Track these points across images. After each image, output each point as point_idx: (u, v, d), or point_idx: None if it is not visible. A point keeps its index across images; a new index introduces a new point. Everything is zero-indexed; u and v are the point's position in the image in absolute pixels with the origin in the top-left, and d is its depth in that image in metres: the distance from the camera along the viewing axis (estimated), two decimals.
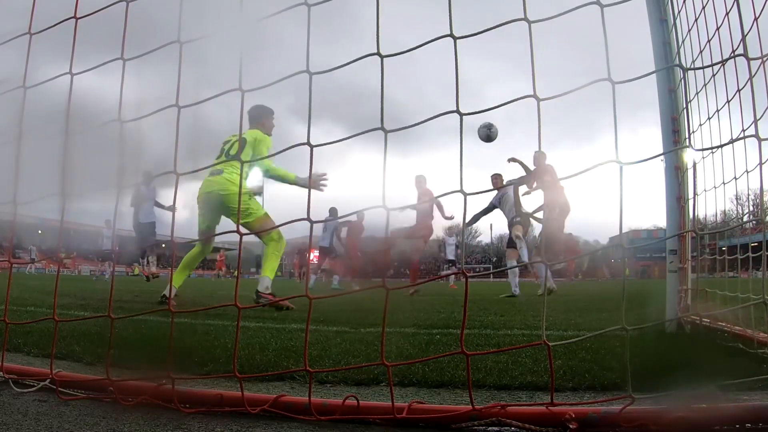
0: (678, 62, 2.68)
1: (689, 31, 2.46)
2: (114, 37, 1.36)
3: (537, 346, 1.14)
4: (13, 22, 1.48)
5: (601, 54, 1.04)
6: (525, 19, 1.06)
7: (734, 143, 1.69)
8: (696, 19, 2.34)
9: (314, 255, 14.56)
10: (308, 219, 1.17)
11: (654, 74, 2.77)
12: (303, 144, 1.16)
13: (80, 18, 1.40)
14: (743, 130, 1.96)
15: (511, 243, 7.97)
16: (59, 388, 1.30)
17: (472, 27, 1.07)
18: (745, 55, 1.17)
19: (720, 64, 1.87)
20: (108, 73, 1.37)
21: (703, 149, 2.40)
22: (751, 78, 1.44)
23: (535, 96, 1.04)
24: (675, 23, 2.70)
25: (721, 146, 1.97)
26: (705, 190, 2.45)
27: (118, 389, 1.26)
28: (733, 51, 1.86)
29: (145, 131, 1.36)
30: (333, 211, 10.19)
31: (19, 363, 1.71)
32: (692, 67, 2.39)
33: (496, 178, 8.16)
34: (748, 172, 1.97)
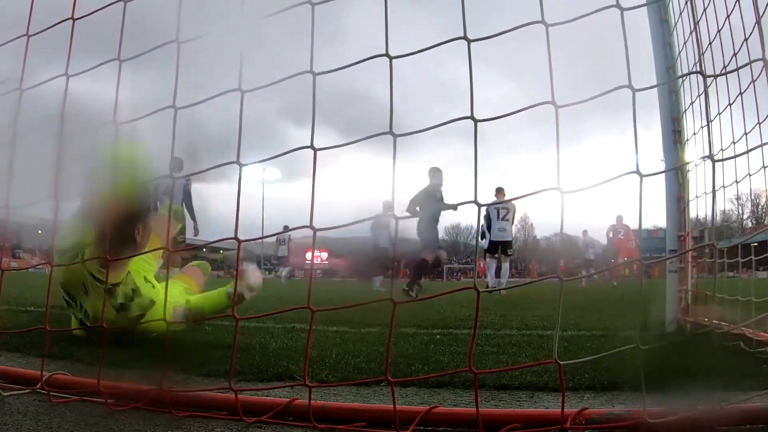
0: (679, 64, 2.68)
1: (691, 32, 2.45)
2: (109, 42, 1.36)
3: (541, 346, 1.13)
4: (7, 24, 1.48)
5: (596, 58, 1.03)
6: (543, 22, 1.03)
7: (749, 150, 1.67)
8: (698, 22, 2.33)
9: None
10: (311, 227, 1.15)
11: (654, 74, 2.77)
12: (307, 147, 1.14)
13: (77, 19, 1.39)
14: (746, 134, 1.96)
15: (494, 249, 9.31)
16: (51, 393, 1.29)
17: (461, 29, 1.06)
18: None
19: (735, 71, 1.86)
20: (103, 79, 1.37)
21: (722, 159, 2.37)
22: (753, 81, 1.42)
23: (553, 102, 1.01)
24: (676, 25, 2.69)
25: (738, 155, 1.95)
26: (704, 193, 2.45)
27: (111, 394, 1.25)
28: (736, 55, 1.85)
29: (140, 134, 1.36)
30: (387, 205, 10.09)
31: (18, 364, 1.71)
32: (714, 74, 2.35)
33: (499, 192, 9.43)
34: (750, 176, 1.97)
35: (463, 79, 1.07)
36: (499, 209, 9.30)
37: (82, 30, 1.39)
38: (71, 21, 1.39)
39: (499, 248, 9.45)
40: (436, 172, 8.08)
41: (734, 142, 2.12)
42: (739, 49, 1.91)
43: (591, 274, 13.27)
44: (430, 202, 7.77)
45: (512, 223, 9.65)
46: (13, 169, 1.39)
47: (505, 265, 9.61)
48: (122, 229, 2.06)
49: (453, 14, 1.07)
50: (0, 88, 1.44)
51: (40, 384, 1.33)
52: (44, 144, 1.46)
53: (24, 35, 1.44)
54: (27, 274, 10.58)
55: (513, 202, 9.58)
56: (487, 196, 9.64)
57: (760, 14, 1.39)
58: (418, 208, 7.88)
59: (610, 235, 14.75)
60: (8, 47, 1.47)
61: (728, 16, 2.01)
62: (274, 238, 17.47)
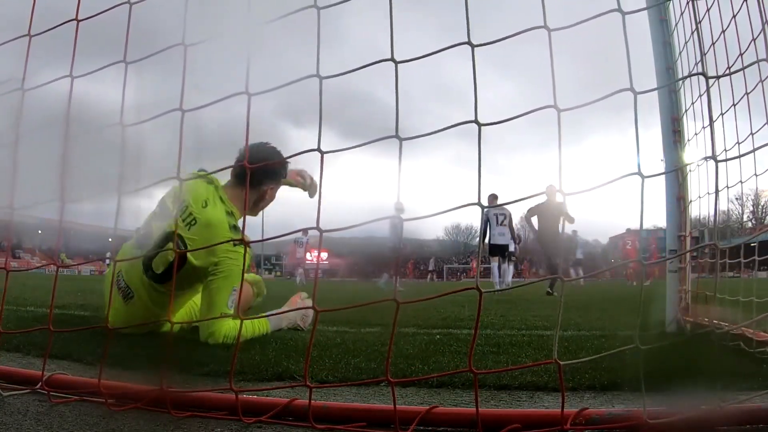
0: (680, 64, 2.68)
1: (693, 32, 2.45)
2: (107, 44, 1.36)
3: (541, 346, 1.13)
4: (10, 26, 1.47)
5: (597, 57, 1.03)
6: (545, 27, 1.02)
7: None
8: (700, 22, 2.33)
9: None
10: (317, 228, 1.15)
11: (654, 74, 2.77)
12: (313, 150, 1.13)
13: (81, 20, 1.39)
14: (752, 133, 1.96)
15: (495, 252, 10.06)
16: (51, 393, 1.29)
17: (461, 32, 1.06)
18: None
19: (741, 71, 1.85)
20: (105, 82, 1.37)
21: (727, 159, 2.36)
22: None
23: (555, 106, 1.00)
24: (677, 25, 2.69)
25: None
26: (707, 193, 2.45)
27: (111, 394, 1.25)
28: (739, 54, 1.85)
29: (144, 136, 1.36)
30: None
31: (18, 364, 1.71)
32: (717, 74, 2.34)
33: (494, 199, 10.00)
34: (757, 176, 1.97)
35: (463, 80, 1.06)
36: (497, 215, 10.14)
37: (81, 31, 1.38)
38: (75, 22, 1.39)
39: (498, 251, 10.33)
40: (554, 190, 9.00)
41: (739, 143, 2.11)
42: (746, 50, 1.91)
43: (590, 275, 13.62)
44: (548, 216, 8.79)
45: (510, 226, 10.67)
46: (17, 170, 1.39)
47: (507, 266, 10.41)
48: (259, 179, 2.51)
49: (454, 14, 1.06)
50: (0, 88, 1.44)
51: (40, 384, 1.33)
52: (47, 144, 1.46)
53: (26, 35, 1.44)
54: (27, 274, 10.58)
55: (508, 206, 10.24)
56: (486, 198, 9.98)
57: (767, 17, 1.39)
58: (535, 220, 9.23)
59: (619, 243, 15.69)
60: (10, 47, 1.47)
61: (734, 16, 2.01)
62: (292, 241, 18.57)
